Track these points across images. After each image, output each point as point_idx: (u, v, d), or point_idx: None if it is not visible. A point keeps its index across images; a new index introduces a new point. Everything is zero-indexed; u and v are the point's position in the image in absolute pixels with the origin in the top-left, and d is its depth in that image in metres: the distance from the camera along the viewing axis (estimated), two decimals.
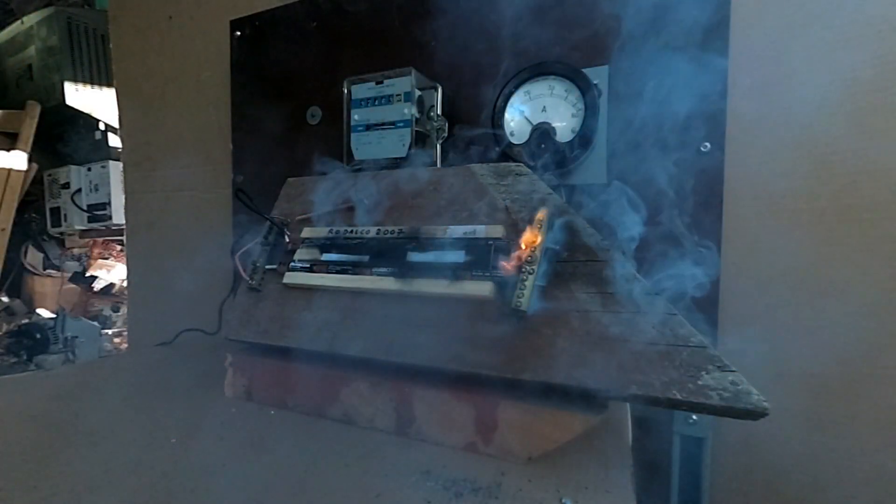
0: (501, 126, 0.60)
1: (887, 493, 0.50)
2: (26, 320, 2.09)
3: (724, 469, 0.56)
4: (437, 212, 0.46)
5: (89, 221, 2.09)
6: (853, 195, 0.51)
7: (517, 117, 0.60)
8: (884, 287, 0.49)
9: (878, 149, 0.50)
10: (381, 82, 0.61)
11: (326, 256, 0.47)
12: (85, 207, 2.06)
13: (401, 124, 0.60)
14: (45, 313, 2.20)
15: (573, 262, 0.37)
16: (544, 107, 0.59)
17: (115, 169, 1.98)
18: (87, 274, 2.37)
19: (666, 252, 0.46)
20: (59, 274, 2.31)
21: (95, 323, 2.20)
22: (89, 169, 2.05)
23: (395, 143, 0.60)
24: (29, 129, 2.10)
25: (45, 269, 2.30)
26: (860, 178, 0.50)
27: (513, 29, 0.63)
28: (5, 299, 2.22)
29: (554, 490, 0.33)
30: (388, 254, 0.44)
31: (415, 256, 0.42)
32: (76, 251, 2.39)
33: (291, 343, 0.46)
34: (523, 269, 0.36)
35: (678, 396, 0.31)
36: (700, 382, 0.30)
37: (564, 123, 0.58)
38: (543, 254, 0.37)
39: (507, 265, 0.38)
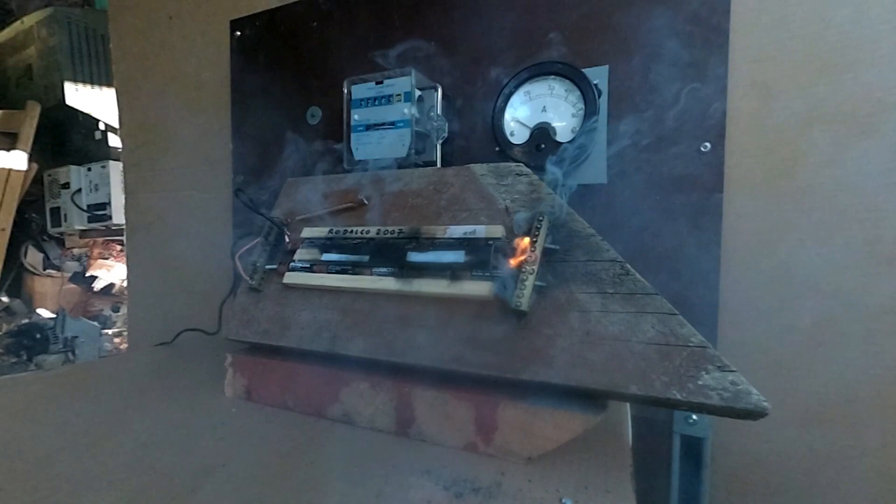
0: (501, 126, 0.60)
1: (887, 493, 0.50)
2: (26, 320, 2.10)
3: (724, 469, 0.56)
4: (437, 212, 0.45)
5: (89, 221, 2.09)
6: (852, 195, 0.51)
7: (517, 118, 0.60)
8: (885, 288, 0.49)
9: (877, 149, 0.50)
10: (381, 82, 0.61)
11: (326, 256, 0.47)
12: (85, 207, 2.07)
13: (401, 124, 0.60)
14: (45, 313, 2.21)
15: (573, 262, 0.37)
16: (544, 107, 0.59)
17: (115, 169, 1.98)
18: (87, 274, 2.37)
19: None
20: (59, 274, 2.32)
21: (95, 323, 2.20)
22: (89, 169, 2.06)
23: (395, 143, 0.60)
24: (29, 129, 2.10)
25: (45, 269, 2.30)
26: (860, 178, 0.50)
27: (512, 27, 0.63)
28: (5, 299, 2.22)
29: (554, 490, 0.33)
30: (388, 254, 0.44)
31: (415, 256, 0.42)
32: (76, 251, 2.39)
33: (292, 343, 0.46)
34: (523, 269, 0.36)
35: (678, 396, 0.31)
36: (700, 382, 0.30)
37: (564, 123, 0.58)
38: (543, 254, 0.37)
39: (506, 265, 0.38)
